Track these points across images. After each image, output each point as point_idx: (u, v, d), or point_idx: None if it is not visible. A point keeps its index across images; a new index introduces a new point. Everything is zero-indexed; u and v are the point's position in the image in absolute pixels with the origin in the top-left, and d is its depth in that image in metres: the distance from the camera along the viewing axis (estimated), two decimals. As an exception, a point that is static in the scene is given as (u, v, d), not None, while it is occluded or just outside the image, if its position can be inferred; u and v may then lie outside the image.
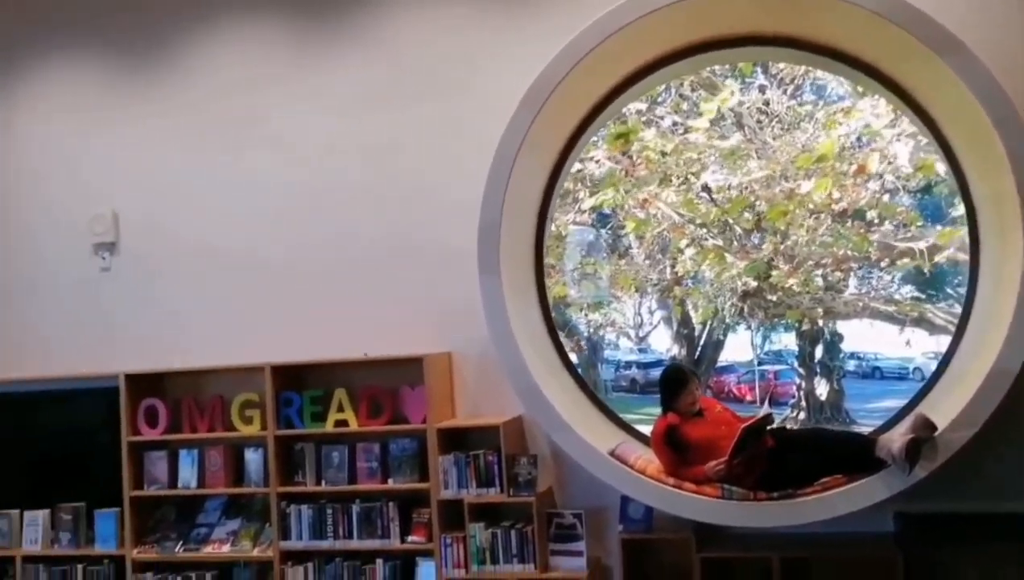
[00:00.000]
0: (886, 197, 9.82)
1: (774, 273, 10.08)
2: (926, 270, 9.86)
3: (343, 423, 4.65)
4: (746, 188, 9.78)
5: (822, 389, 13.99)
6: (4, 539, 5.06)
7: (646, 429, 4.63)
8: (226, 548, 4.78)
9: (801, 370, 14.46)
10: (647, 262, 11.96)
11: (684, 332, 14.98)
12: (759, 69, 10.16)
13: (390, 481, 4.59)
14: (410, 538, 4.52)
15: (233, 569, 4.82)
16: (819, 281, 10.87)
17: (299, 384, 4.80)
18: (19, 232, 5.48)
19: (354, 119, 4.93)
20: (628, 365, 18.80)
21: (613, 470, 4.16)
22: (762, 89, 10.35)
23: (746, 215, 9.95)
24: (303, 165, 5.00)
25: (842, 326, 14.08)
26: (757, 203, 9.87)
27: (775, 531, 4.05)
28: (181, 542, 4.85)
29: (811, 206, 9.53)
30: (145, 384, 4.99)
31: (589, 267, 13.45)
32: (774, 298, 10.71)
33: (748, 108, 9.92)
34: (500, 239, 4.33)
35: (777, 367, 17.35)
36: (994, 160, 3.84)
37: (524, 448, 4.55)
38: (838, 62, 4.43)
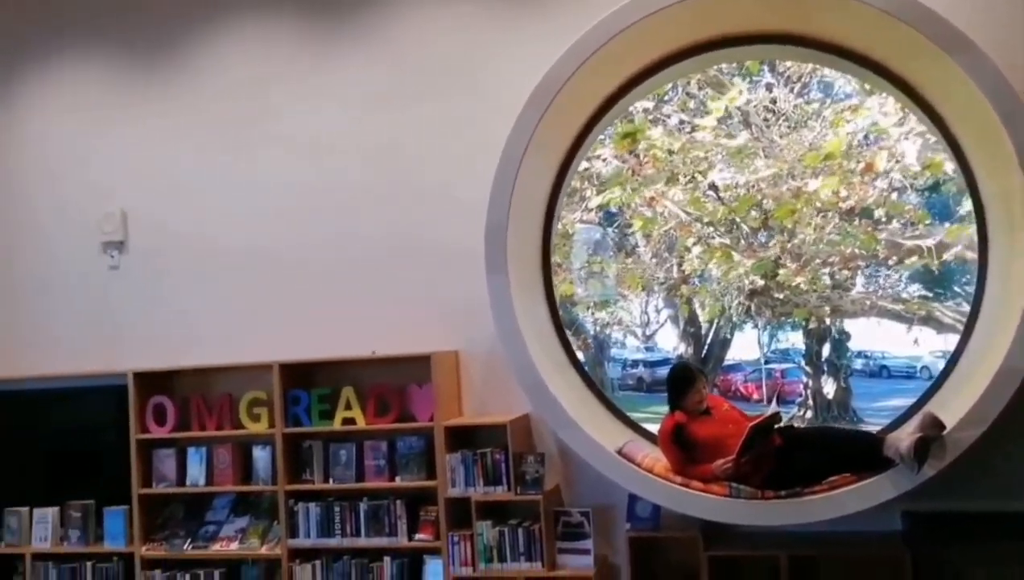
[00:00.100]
0: (894, 195, 9.79)
1: (781, 271, 10.06)
2: (934, 268, 9.83)
3: (351, 421, 4.66)
4: (753, 186, 9.76)
5: (829, 388, 13.96)
6: (14, 536, 5.08)
7: (653, 427, 4.62)
8: (234, 546, 4.80)
9: (808, 369, 14.43)
10: (654, 260, 11.94)
11: (691, 330, 14.96)
12: (766, 67, 10.14)
13: (397, 479, 4.60)
14: (417, 536, 4.53)
15: (241, 567, 4.84)
16: (826, 279, 10.85)
17: (307, 382, 4.81)
18: (29, 231, 5.50)
19: (362, 118, 4.94)
20: (635, 363, 18.77)
21: (620, 468, 4.16)
22: (769, 87, 10.34)
23: (753, 213, 9.93)
24: (311, 164, 5.01)
25: (849, 325, 14.04)
26: (764, 201, 9.85)
27: (783, 530, 4.05)
28: (189, 540, 4.87)
29: (818, 204, 9.51)
30: (154, 382, 5.00)
31: (596, 266, 13.44)
32: (781, 296, 10.68)
33: (755, 106, 9.89)
34: (507, 238, 4.33)
35: (784, 366, 17.31)
36: (1003, 158, 3.83)
37: (531, 446, 4.56)
38: (846, 60, 4.42)
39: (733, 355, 16.88)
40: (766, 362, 17.44)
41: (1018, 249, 3.92)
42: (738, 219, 10.05)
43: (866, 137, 9.58)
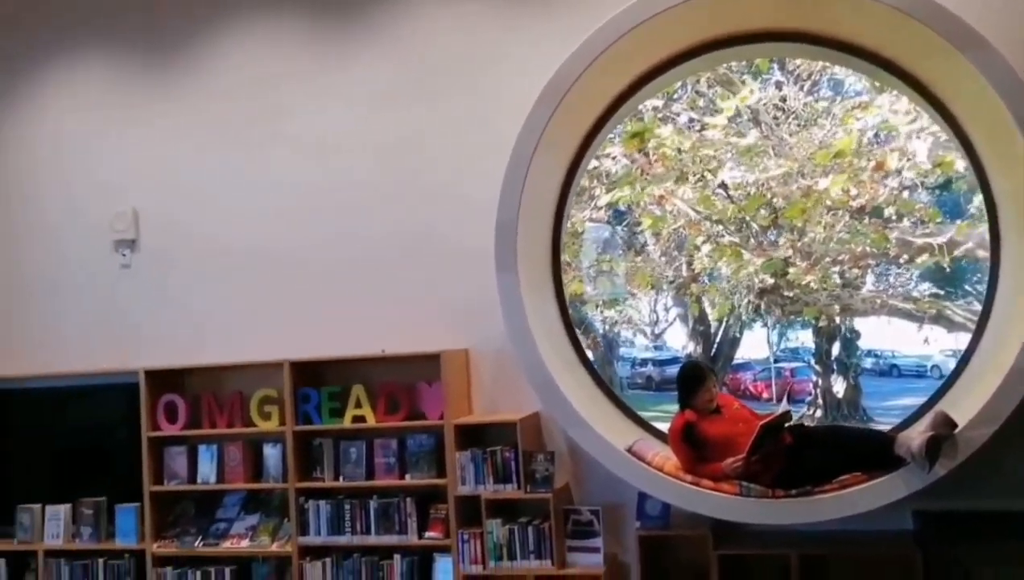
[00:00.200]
0: (904, 194, 9.76)
1: (791, 270, 10.04)
2: (945, 265, 9.79)
3: (361, 419, 4.67)
4: (763, 185, 9.74)
5: (839, 387, 13.93)
6: (26, 533, 5.10)
7: (663, 426, 4.62)
8: (245, 543, 4.81)
9: (818, 367, 14.41)
10: (663, 259, 11.93)
11: (700, 329, 14.96)
12: (775, 65, 10.12)
13: (407, 477, 4.60)
14: (427, 534, 4.53)
15: (252, 564, 4.85)
16: (836, 278, 10.82)
17: (317, 380, 4.82)
18: (41, 230, 5.52)
19: (371, 117, 4.95)
20: (644, 362, 18.78)
21: (630, 467, 4.16)
22: (779, 85, 10.31)
23: (762, 212, 9.91)
24: (321, 162, 5.02)
25: (859, 323, 14.02)
26: (774, 200, 9.83)
27: (793, 528, 4.04)
28: (200, 537, 4.88)
29: (828, 203, 9.49)
30: (165, 380, 5.02)
31: (605, 264, 13.44)
32: (791, 295, 10.66)
33: (765, 105, 9.87)
34: (517, 236, 4.33)
35: (794, 364, 17.29)
36: (1015, 156, 3.82)
37: (541, 444, 4.56)
38: (856, 58, 4.41)
39: (742, 354, 16.88)
40: (775, 361, 17.42)
41: (1030, 247, 3.90)
42: (748, 218, 10.03)
43: (876, 135, 9.55)
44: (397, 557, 4.58)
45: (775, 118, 10.03)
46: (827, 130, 9.73)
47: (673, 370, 13.80)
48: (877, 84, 8.00)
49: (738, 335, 15.60)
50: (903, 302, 11.51)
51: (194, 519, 4.97)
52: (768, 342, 17.03)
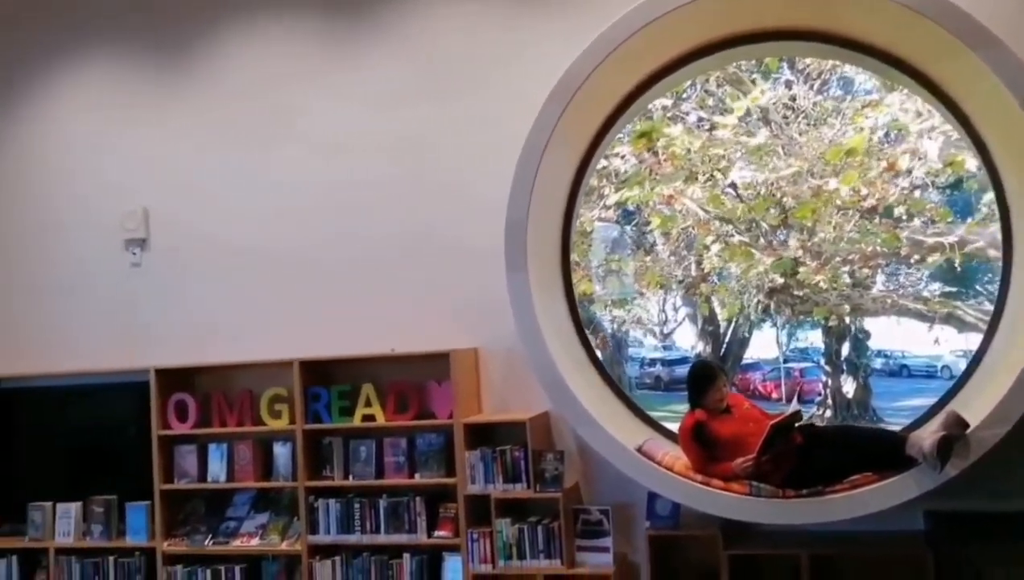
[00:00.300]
0: (915, 193, 9.73)
1: (801, 270, 10.01)
2: (956, 264, 9.75)
3: (370, 418, 4.67)
4: (773, 184, 9.72)
5: (849, 387, 13.88)
6: (37, 531, 5.12)
7: (671, 426, 4.61)
8: (255, 541, 4.82)
9: (827, 368, 14.36)
10: (672, 259, 11.91)
11: (709, 329, 14.92)
12: (785, 64, 10.09)
13: (417, 476, 4.60)
14: (437, 533, 4.53)
15: (262, 562, 4.86)
16: (846, 278, 10.79)
17: (327, 379, 4.83)
18: (52, 229, 5.54)
19: (381, 116, 4.95)
20: (652, 362, 18.74)
21: (640, 466, 4.15)
22: (788, 84, 10.29)
23: (772, 211, 9.88)
24: (331, 162, 5.02)
25: (869, 323, 13.96)
26: (784, 199, 9.81)
27: (803, 528, 4.03)
28: (210, 535, 4.89)
29: (839, 202, 9.46)
30: (175, 379, 5.03)
31: (614, 264, 13.43)
32: (801, 294, 10.63)
33: (774, 104, 9.85)
34: (527, 235, 4.33)
35: (803, 365, 17.23)
36: (1028, 155, 3.80)
37: (551, 444, 4.56)
38: (868, 56, 4.39)
39: (751, 354, 16.82)
40: (785, 361, 17.37)
41: (1043, 247, 3.88)
42: (757, 217, 10.01)
43: (887, 135, 9.52)
44: (406, 556, 4.58)
45: (785, 117, 10.00)
46: (837, 129, 9.70)
47: (682, 370, 13.78)
48: (888, 83, 7.96)
49: (747, 335, 15.55)
50: (913, 302, 11.46)
51: (204, 517, 4.99)
52: (777, 342, 16.98)
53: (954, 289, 12.55)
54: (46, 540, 5.10)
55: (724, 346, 15.03)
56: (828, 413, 13.82)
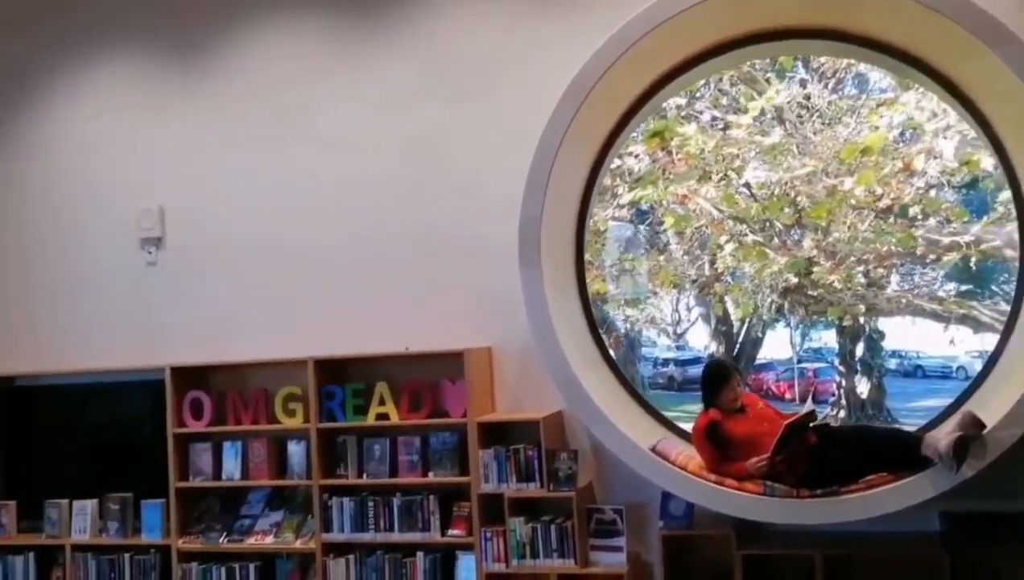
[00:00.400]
0: (931, 192, 9.67)
1: (815, 269, 9.97)
2: (972, 263, 9.68)
3: (384, 416, 4.68)
4: (787, 184, 9.69)
5: (863, 387, 13.82)
6: (54, 528, 5.16)
7: (685, 426, 4.61)
8: (269, 539, 4.84)
9: (841, 368, 14.30)
10: (686, 258, 11.89)
11: (722, 329, 14.89)
12: (799, 63, 10.05)
13: (430, 474, 4.61)
14: (450, 531, 4.54)
15: (276, 560, 4.88)
16: (860, 278, 10.73)
17: (341, 378, 4.84)
18: (68, 228, 5.57)
19: (396, 114, 4.96)
20: (665, 362, 18.71)
21: (654, 466, 4.15)
22: (803, 83, 10.25)
23: (786, 210, 9.85)
24: (346, 160, 5.04)
25: (884, 324, 13.89)
26: (798, 198, 9.77)
27: (817, 529, 4.01)
28: (225, 533, 4.92)
29: (853, 202, 9.42)
30: (190, 377, 5.06)
31: (628, 263, 13.41)
32: (815, 294, 10.59)
33: (789, 103, 9.81)
34: (541, 234, 4.33)
35: (816, 365, 17.16)
36: (1045, 154, 3.77)
37: (564, 443, 4.56)
38: (883, 55, 4.37)
39: (765, 354, 16.77)
40: (798, 361, 17.30)
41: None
42: (772, 217, 9.97)
43: (902, 134, 9.47)
44: (420, 555, 4.59)
45: (799, 116, 9.97)
46: (852, 128, 9.66)
47: (695, 370, 13.74)
48: (904, 81, 7.92)
49: (760, 335, 15.51)
50: (928, 302, 11.40)
51: (219, 515, 5.01)
52: (791, 342, 16.92)
53: (970, 289, 12.47)
54: (63, 537, 5.14)
55: (737, 346, 14.99)
56: (842, 413, 13.77)
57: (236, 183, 5.24)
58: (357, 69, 5.05)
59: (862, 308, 11.17)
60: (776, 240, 10.27)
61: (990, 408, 3.84)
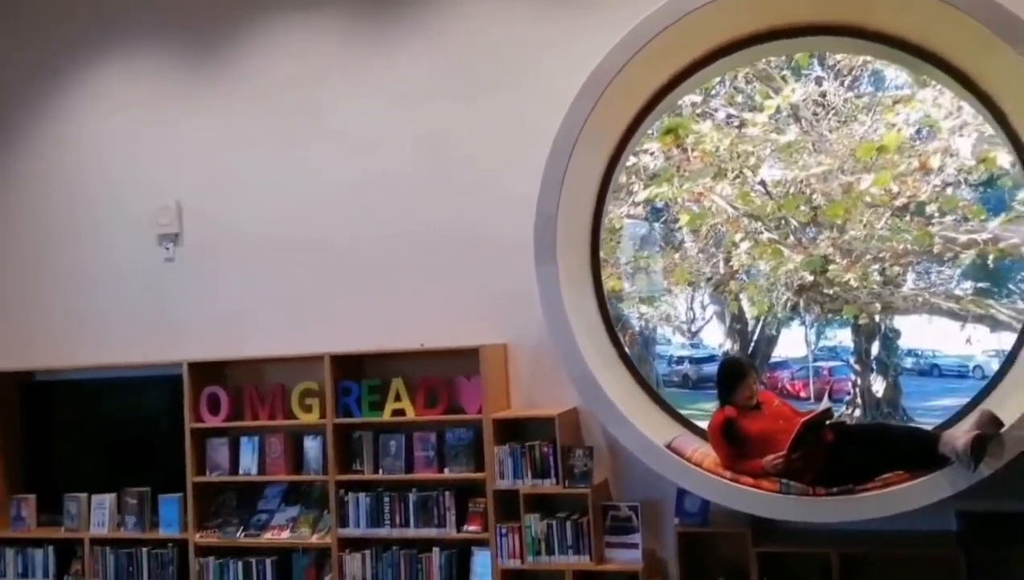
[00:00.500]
0: (948, 190, 9.61)
1: (831, 267, 9.92)
2: (990, 261, 9.61)
3: (400, 412, 4.70)
4: (802, 182, 9.65)
5: (878, 386, 13.75)
6: (73, 521, 5.22)
7: (700, 424, 4.60)
8: (285, 534, 4.87)
9: (857, 366, 14.23)
10: (701, 256, 11.86)
11: (737, 327, 14.84)
12: (815, 60, 10.01)
13: (446, 470, 4.63)
14: (466, 527, 4.55)
15: (292, 555, 4.90)
16: (876, 276, 10.68)
17: (357, 373, 4.87)
18: (86, 225, 5.62)
19: (411, 111, 4.98)
20: (680, 360, 18.65)
21: (669, 463, 4.14)
22: (819, 81, 10.20)
23: (802, 208, 9.81)
24: (362, 157, 5.06)
25: (900, 322, 13.82)
26: (814, 196, 9.73)
27: (833, 527, 4.01)
28: (242, 528, 4.95)
29: (868, 199, 9.37)
30: (208, 372, 5.09)
31: (643, 261, 13.39)
32: (831, 292, 10.54)
33: (804, 100, 9.77)
34: (557, 230, 4.33)
35: (832, 363, 17.08)
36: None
37: (579, 440, 4.56)
38: (900, 51, 4.35)
39: (779, 352, 16.70)
40: (814, 360, 17.23)
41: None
42: (787, 215, 9.93)
43: (918, 132, 9.41)
44: (436, 550, 4.61)
45: (815, 114, 9.92)
46: (868, 126, 9.61)
47: (710, 368, 13.71)
48: (921, 77, 7.87)
49: (775, 333, 15.45)
50: (945, 300, 11.33)
51: (236, 510, 5.04)
52: (806, 341, 16.86)
53: (987, 287, 12.39)
54: (81, 531, 5.19)
55: (752, 344, 14.94)
56: (858, 412, 13.71)
57: (253, 179, 5.27)
58: (372, 66, 5.07)
59: (878, 306, 11.10)
60: (792, 238, 10.22)
61: (1007, 407, 3.81)
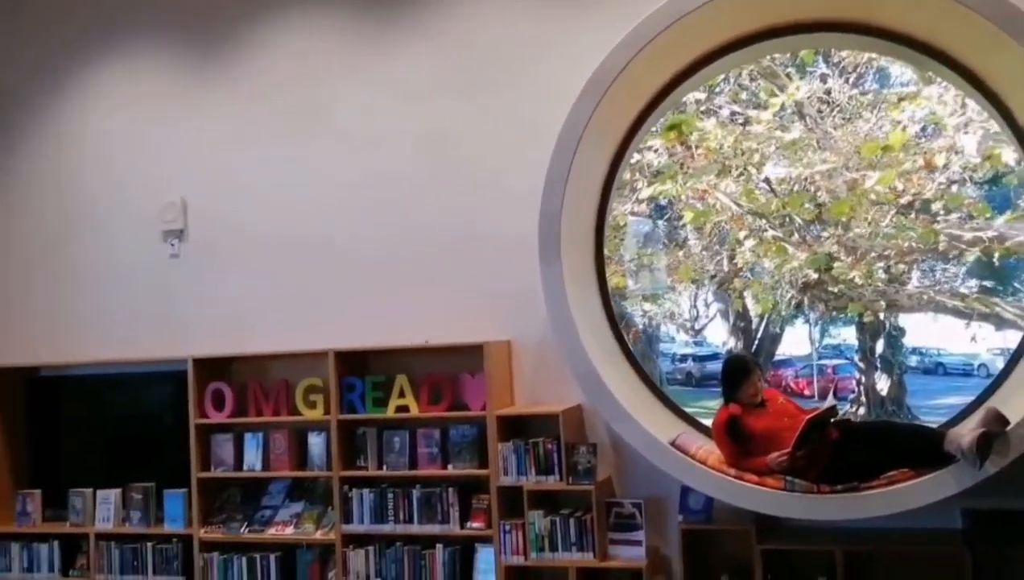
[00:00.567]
0: (953, 188, 9.59)
1: (836, 265, 9.91)
2: (995, 257, 9.59)
3: (404, 409, 4.70)
4: (807, 179, 9.63)
5: (883, 384, 13.74)
6: (78, 516, 5.22)
7: (703, 422, 4.60)
8: (289, 530, 4.88)
9: (861, 364, 14.22)
10: (705, 253, 11.85)
11: (741, 325, 14.83)
12: (820, 57, 9.99)
13: (450, 467, 4.63)
14: (469, 524, 4.55)
15: (296, 551, 4.91)
16: (881, 273, 10.66)
17: (362, 370, 4.87)
18: (92, 221, 5.63)
19: (415, 109, 4.98)
20: (684, 358, 18.66)
21: (674, 460, 4.14)
22: (823, 78, 10.18)
23: (807, 205, 9.79)
24: (366, 154, 5.06)
25: (904, 320, 13.80)
26: (819, 194, 9.71)
27: (837, 524, 4.00)
28: (246, 523, 4.96)
29: (873, 197, 9.35)
30: (212, 368, 5.10)
31: (646, 258, 13.38)
32: (835, 290, 10.52)
33: (809, 97, 9.75)
34: (561, 227, 4.33)
35: (836, 361, 17.07)
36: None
37: (583, 436, 4.56)
38: (907, 48, 4.34)
39: (784, 350, 16.70)
40: (818, 358, 17.22)
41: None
42: (792, 212, 9.92)
43: (923, 129, 9.39)
44: (439, 546, 4.61)
45: (819, 111, 9.90)
46: (873, 123, 9.59)
47: (713, 366, 13.71)
48: (926, 74, 7.85)
49: (779, 331, 15.44)
50: (950, 298, 11.31)
51: (240, 506, 5.05)
52: (810, 339, 16.84)
53: (992, 286, 12.37)
54: (87, 525, 5.20)
55: (756, 342, 14.93)
56: (862, 410, 13.70)
57: (258, 176, 5.27)
58: (377, 64, 5.07)
59: (883, 304, 11.08)
60: (796, 235, 10.21)
61: (1013, 405, 3.81)
